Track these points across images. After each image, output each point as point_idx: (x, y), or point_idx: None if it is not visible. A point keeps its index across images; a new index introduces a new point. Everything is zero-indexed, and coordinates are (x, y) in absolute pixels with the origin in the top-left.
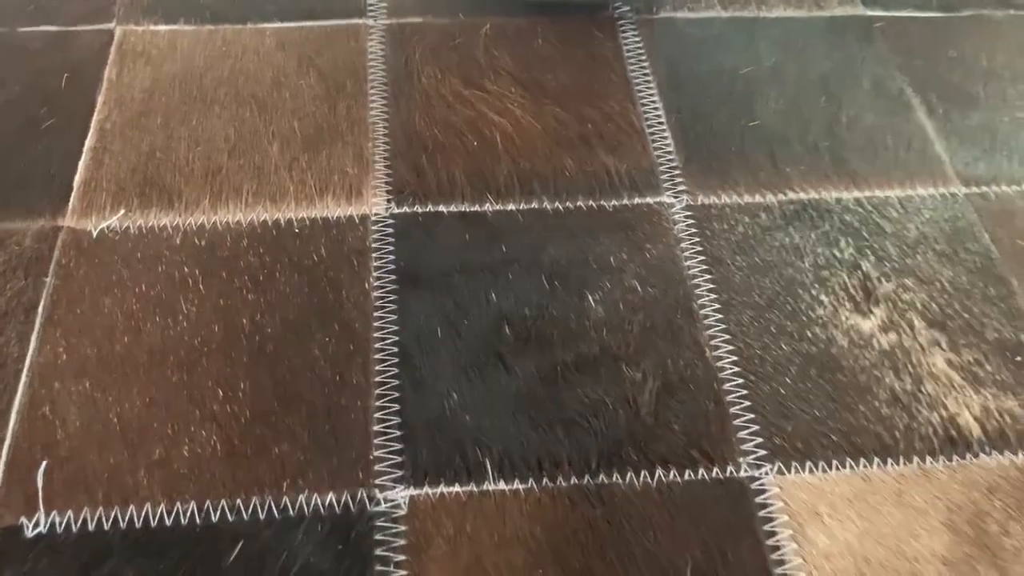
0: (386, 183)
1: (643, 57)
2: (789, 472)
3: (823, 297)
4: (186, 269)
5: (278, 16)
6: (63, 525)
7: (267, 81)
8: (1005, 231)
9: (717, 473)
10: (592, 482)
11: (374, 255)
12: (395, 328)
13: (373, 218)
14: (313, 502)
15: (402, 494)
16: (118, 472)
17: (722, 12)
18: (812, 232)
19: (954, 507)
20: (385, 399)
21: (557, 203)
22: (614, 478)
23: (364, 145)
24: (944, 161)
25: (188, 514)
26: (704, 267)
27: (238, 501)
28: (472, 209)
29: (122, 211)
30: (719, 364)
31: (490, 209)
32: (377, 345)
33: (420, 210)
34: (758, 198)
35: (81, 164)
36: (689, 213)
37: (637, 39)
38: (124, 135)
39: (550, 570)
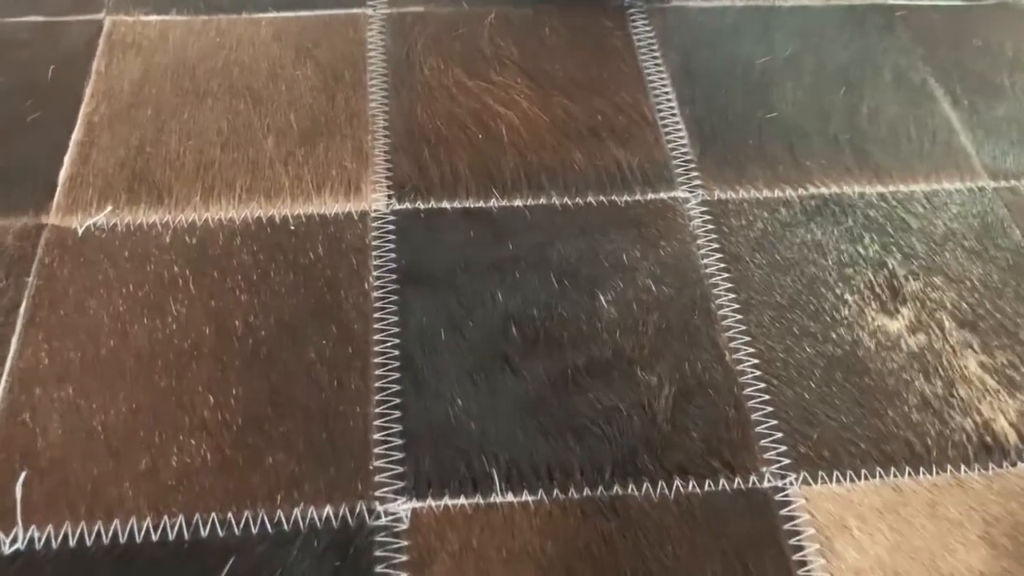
0: (386, 178)
1: (655, 47)
2: (815, 482)
3: (848, 296)
4: (176, 268)
5: (274, 5)
6: (43, 540)
7: (262, 72)
8: None
9: (739, 483)
10: (606, 493)
11: (374, 253)
12: (396, 330)
13: (373, 215)
14: (309, 515)
15: (404, 507)
16: (102, 483)
17: (736, 1)
18: (835, 228)
19: (991, 519)
20: (385, 405)
21: (566, 198)
22: (629, 489)
23: (363, 138)
24: (971, 154)
25: (176, 528)
26: (722, 265)
27: (229, 514)
28: (477, 205)
29: (109, 208)
30: (739, 367)
31: (496, 205)
32: (377, 348)
33: (422, 206)
34: (777, 193)
35: (67, 159)
36: (705, 208)
37: (648, 28)
38: (112, 128)
39: None
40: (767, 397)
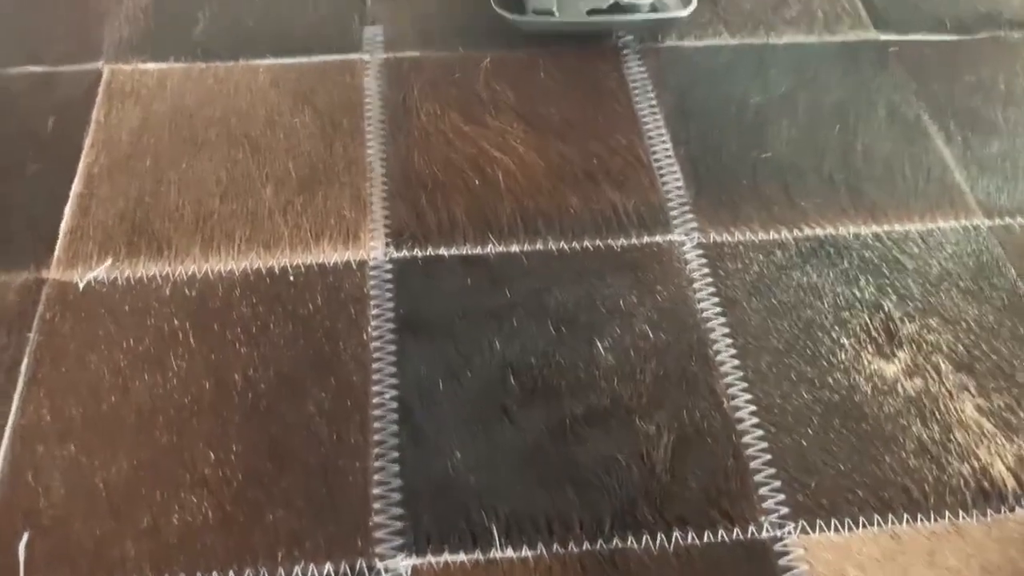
0: (384, 226)
1: (649, 88)
2: (814, 531)
3: (844, 340)
4: (176, 322)
5: (271, 52)
6: None
7: (260, 120)
8: None
9: (738, 534)
10: (605, 547)
11: (372, 303)
12: (394, 381)
13: (371, 263)
14: (310, 573)
15: (404, 563)
16: (104, 543)
17: (730, 39)
18: (830, 270)
19: (990, 566)
20: (384, 459)
21: (563, 243)
22: (629, 542)
23: (361, 186)
24: (965, 191)
25: None
26: (718, 309)
27: (231, 572)
28: (474, 251)
29: (109, 261)
30: (737, 415)
31: (492, 251)
32: (376, 400)
33: (420, 254)
34: (773, 234)
35: (67, 211)
36: (701, 252)
37: (642, 69)
38: (112, 180)
39: None
40: (765, 445)
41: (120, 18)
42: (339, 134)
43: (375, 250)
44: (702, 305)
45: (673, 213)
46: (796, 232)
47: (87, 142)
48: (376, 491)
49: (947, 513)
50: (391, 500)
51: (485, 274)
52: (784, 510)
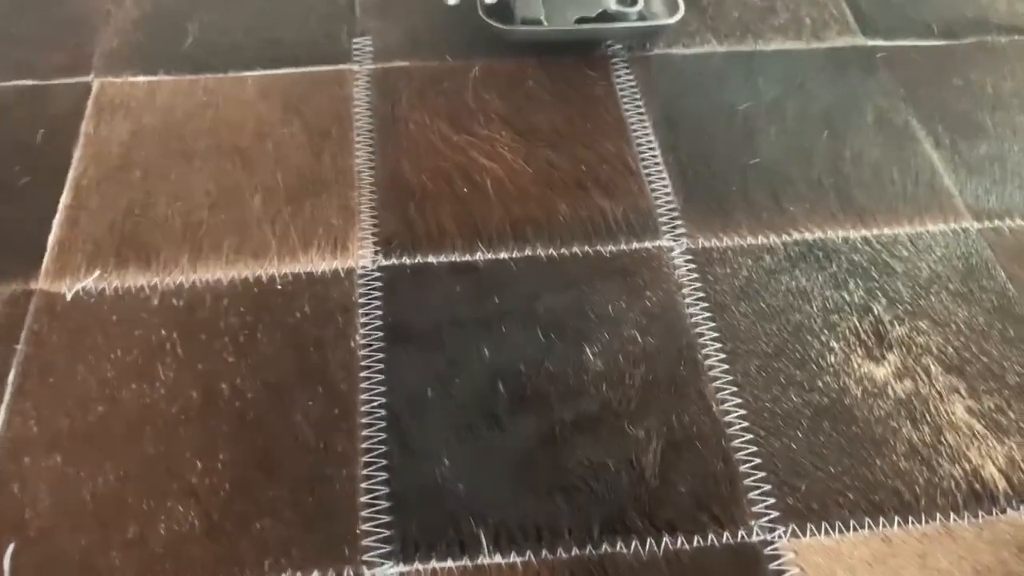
0: (373, 234)
1: (637, 95)
2: (804, 535)
3: (833, 343)
4: (164, 332)
5: (260, 63)
6: None
7: (249, 131)
8: (1022, 267)
9: (728, 538)
10: (594, 552)
11: (360, 311)
12: (382, 389)
13: (359, 271)
14: None
15: (391, 571)
16: (91, 553)
17: (718, 47)
18: (819, 274)
19: (982, 568)
20: (372, 467)
21: (551, 250)
22: (618, 547)
23: (350, 195)
24: (954, 195)
25: None
26: (707, 314)
27: None
28: (463, 259)
29: (97, 272)
30: (726, 419)
31: (481, 258)
32: (364, 408)
33: (408, 261)
34: (761, 239)
35: (56, 223)
36: (690, 257)
37: (631, 77)
38: (101, 191)
39: None
40: (755, 449)
41: (110, 31)
42: (328, 144)
43: (363, 258)
44: (691, 310)
45: (662, 219)
46: (785, 237)
47: (77, 154)
48: (364, 499)
49: (938, 515)
50: (379, 508)
51: (474, 281)
52: (774, 514)
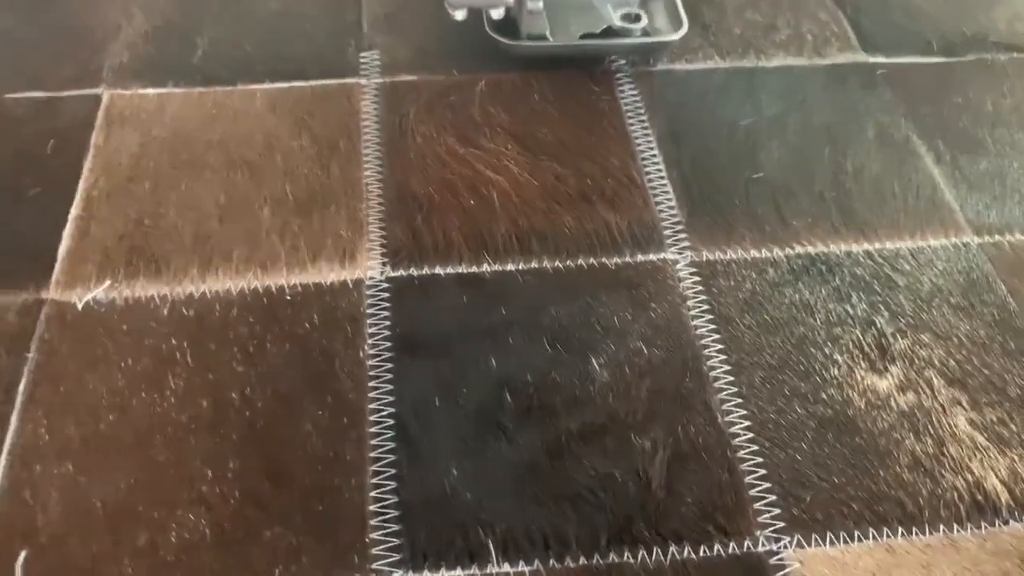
0: (381, 245)
1: (641, 110)
2: (809, 545)
3: (837, 356)
4: (174, 341)
5: (269, 77)
6: None
7: (258, 143)
8: (1022, 281)
9: (734, 548)
10: (602, 561)
11: (369, 321)
12: (391, 399)
13: (368, 282)
14: None
15: None
16: (101, 561)
17: (721, 63)
18: (822, 287)
19: None
20: (381, 476)
21: (557, 262)
22: (625, 556)
23: (358, 207)
24: (955, 210)
25: None
26: (712, 326)
27: None
28: (470, 270)
29: (108, 282)
30: (732, 430)
31: (488, 270)
32: (372, 418)
33: (416, 273)
34: (765, 253)
35: (66, 233)
36: (694, 270)
37: (635, 92)
38: (111, 202)
39: None
40: (760, 460)
41: (120, 44)
42: (336, 156)
43: (372, 269)
44: (696, 322)
45: (666, 232)
46: (788, 250)
47: (87, 166)
48: (373, 508)
49: (942, 526)
50: (388, 517)
51: (481, 292)
52: (779, 524)
